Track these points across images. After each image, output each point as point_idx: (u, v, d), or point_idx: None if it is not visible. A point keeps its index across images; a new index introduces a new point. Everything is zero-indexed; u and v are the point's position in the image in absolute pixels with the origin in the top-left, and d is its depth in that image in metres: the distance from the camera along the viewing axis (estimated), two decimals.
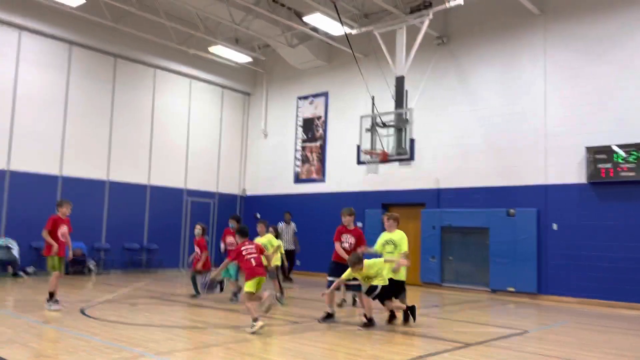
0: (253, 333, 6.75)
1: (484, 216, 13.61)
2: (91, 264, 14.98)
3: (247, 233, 7.78)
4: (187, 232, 17.65)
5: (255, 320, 6.87)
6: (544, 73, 13.18)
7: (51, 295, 8.42)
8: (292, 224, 15.03)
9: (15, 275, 13.47)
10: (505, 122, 13.70)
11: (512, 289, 12.94)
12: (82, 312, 8.31)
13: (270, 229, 10.78)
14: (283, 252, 10.97)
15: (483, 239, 13.66)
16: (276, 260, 10.22)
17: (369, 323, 7.62)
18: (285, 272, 13.98)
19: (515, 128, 13.51)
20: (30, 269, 13.86)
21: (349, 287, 8.46)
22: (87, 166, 15.49)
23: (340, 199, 16.88)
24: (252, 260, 7.34)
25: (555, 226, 12.64)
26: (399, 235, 8.19)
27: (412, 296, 12.55)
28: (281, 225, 14.76)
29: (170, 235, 17.41)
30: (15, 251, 13.63)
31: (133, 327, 7.29)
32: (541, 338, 7.70)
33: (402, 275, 8.08)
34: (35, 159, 14.43)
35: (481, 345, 6.73)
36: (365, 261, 7.57)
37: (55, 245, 8.48)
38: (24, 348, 5.66)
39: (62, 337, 6.34)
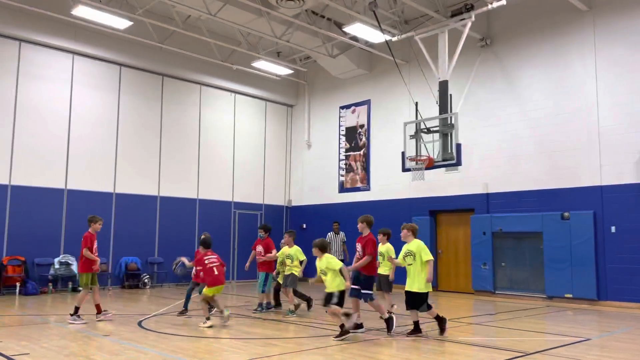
0: (206, 327, 8.11)
1: (537, 220, 13.19)
2: (145, 278, 15.42)
3: (210, 244, 9.09)
4: (236, 244, 17.95)
5: (207, 319, 8.36)
6: (594, 70, 12.72)
7: (77, 309, 8.68)
8: (341, 234, 15.00)
9: (74, 290, 14.01)
10: (555, 123, 13.28)
11: (569, 295, 12.46)
12: (140, 324, 8.56)
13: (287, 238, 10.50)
14: (302, 266, 10.32)
15: (537, 243, 13.24)
16: (288, 270, 9.99)
17: (343, 332, 7.34)
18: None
19: (566, 128, 13.08)
20: None
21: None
22: (139, 182, 16.02)
23: (385, 207, 16.78)
24: (215, 269, 8.54)
25: (613, 229, 12.11)
26: (415, 245, 7.96)
27: (465, 305, 12.32)
28: (330, 235, 14.79)
29: (219, 248, 17.47)
30: (74, 267, 14.18)
31: (188, 338, 7.44)
32: (603, 346, 7.37)
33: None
34: (90, 177, 15.02)
35: (540, 354, 6.51)
36: (326, 255, 7.81)
37: (98, 262, 8.94)
38: None
39: (122, 350, 6.53)
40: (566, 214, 12.74)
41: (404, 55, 16.32)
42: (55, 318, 9.39)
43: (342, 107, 18.68)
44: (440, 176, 15.04)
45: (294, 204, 19.94)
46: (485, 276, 14.01)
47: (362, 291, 8.13)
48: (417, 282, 7.80)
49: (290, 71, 18.26)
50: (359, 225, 8.43)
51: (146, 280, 15.39)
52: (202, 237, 9.56)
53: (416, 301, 7.83)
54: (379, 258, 9.07)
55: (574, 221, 12.59)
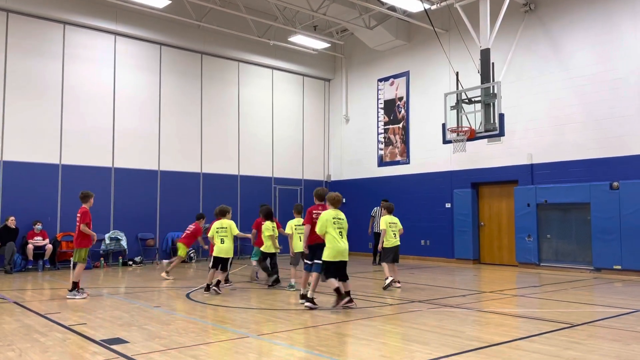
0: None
1: (584, 191, 12.82)
2: (191, 252, 15.87)
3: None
4: (278, 218, 18.14)
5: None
6: None
7: (75, 285, 8.57)
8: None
9: (125, 264, 14.60)
10: (603, 90, 12.76)
11: (618, 267, 12.13)
12: (188, 296, 8.86)
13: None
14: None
15: (584, 214, 12.89)
16: (298, 248, 9.40)
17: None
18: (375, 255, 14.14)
19: (615, 95, 12.55)
20: (138, 259, 14.94)
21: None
22: (182, 160, 16.39)
23: (426, 180, 16.65)
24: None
25: None
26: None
27: (509, 277, 12.18)
28: (376, 209, 14.94)
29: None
30: (124, 242, 14.75)
31: (234, 310, 7.67)
32: None
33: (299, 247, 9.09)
34: (135, 155, 15.47)
35: (588, 325, 6.40)
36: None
37: (94, 237, 8.89)
38: (141, 330, 6.14)
39: (172, 320, 6.80)
40: (615, 183, 12.32)
41: (443, 24, 15.92)
42: (108, 291, 9.82)
43: (380, 80, 18.46)
44: (482, 147, 14.75)
45: (333, 178, 19.99)
46: (529, 248, 13.78)
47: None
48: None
49: (327, 45, 18.13)
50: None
51: (192, 255, 15.84)
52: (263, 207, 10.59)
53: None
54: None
55: (624, 191, 12.17)
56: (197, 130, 16.80)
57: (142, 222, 15.45)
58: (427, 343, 5.54)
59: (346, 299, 7.46)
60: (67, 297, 8.56)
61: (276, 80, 18.86)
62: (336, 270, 7.49)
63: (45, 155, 14.07)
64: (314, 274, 7.78)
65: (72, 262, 8.90)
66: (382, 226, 9.97)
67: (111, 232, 14.76)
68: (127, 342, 5.52)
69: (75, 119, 14.55)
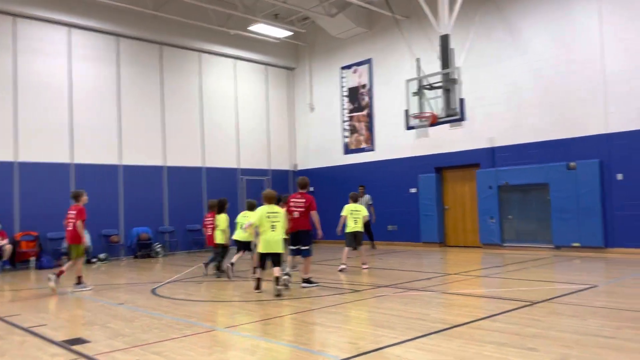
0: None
1: (543, 172, 13.16)
2: (158, 247, 15.64)
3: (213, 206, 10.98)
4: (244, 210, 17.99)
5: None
6: (598, 16, 12.42)
7: (79, 279, 9.21)
8: (366, 196, 15.09)
9: (89, 262, 14.27)
10: (560, 73, 13.07)
11: (577, 244, 12.54)
12: (153, 292, 8.74)
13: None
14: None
15: (543, 195, 13.25)
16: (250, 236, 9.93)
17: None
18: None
19: (571, 77, 12.88)
20: (102, 256, 14.63)
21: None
22: (144, 153, 16.07)
23: (391, 166, 16.79)
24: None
25: (620, 176, 12.07)
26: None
27: (473, 258, 12.45)
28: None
29: (228, 214, 17.80)
30: (87, 239, 14.37)
31: (201, 303, 7.61)
32: (611, 292, 7.46)
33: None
34: (95, 150, 15.08)
35: (548, 302, 6.60)
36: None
37: (85, 239, 9.37)
38: (103, 329, 6.03)
39: (136, 317, 6.69)
40: (572, 164, 12.69)
41: (403, 10, 16.00)
42: (71, 290, 9.59)
43: (343, 68, 18.46)
44: (444, 132, 14.89)
45: (300, 167, 19.97)
46: (492, 230, 14.10)
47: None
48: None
49: (289, 33, 17.99)
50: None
51: (158, 249, 15.62)
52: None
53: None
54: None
55: (580, 171, 12.55)
56: (158, 122, 16.48)
57: (105, 219, 15.12)
58: (393, 327, 5.61)
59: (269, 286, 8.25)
60: (75, 290, 9.04)
61: (239, 70, 18.64)
62: (266, 259, 8.11)
63: (0, 153, 13.58)
64: (308, 258, 8.50)
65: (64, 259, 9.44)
66: (344, 212, 10.62)
67: None
68: (88, 341, 5.41)
69: (30, 114, 14.07)
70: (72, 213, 9.19)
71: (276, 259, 8.07)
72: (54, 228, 14.14)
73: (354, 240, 10.54)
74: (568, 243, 12.69)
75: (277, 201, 9.56)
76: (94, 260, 14.41)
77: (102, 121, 15.29)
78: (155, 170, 16.28)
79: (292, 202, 8.61)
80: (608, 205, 12.23)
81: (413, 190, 16.23)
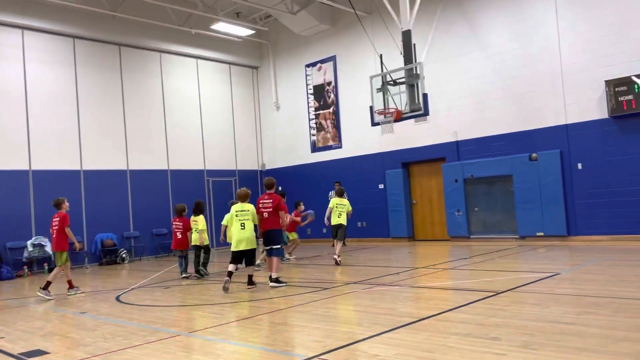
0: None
1: (507, 163, 13.39)
2: (123, 253, 15.30)
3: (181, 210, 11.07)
4: (213, 211, 17.83)
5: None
6: (555, 9, 12.69)
7: (70, 284, 9.40)
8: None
9: (51, 271, 13.83)
10: (519, 66, 13.31)
11: (541, 234, 12.80)
12: (118, 299, 8.53)
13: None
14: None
15: (507, 186, 13.48)
16: (195, 241, 10.77)
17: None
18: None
19: (530, 70, 13.13)
20: None
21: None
22: (106, 157, 15.68)
23: (359, 163, 16.83)
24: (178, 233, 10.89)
25: (579, 165, 12.37)
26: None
27: (441, 251, 12.57)
28: (331, 194, 14.92)
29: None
30: (49, 248, 13.98)
31: (167, 308, 7.45)
32: (574, 278, 7.61)
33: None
34: (54, 156, 14.64)
35: (512, 291, 6.69)
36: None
37: (76, 242, 9.73)
38: (64, 339, 5.84)
39: (99, 325, 6.50)
40: (534, 155, 12.95)
41: (365, 7, 16.04)
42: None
43: (307, 65, 18.40)
44: (410, 128, 15.07)
45: (267, 167, 19.83)
46: (459, 222, 14.28)
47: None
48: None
49: (251, 32, 17.84)
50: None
51: (124, 255, 15.28)
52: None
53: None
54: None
55: (542, 161, 12.82)
56: (120, 125, 16.11)
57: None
58: (360, 323, 5.60)
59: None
60: (68, 294, 9.27)
61: (201, 70, 18.38)
62: (238, 258, 8.49)
63: None
64: (274, 258, 8.53)
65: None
66: (330, 205, 11.31)
67: (33, 238, 13.93)
68: (47, 353, 5.23)
69: None
70: (55, 220, 9.35)
71: (248, 256, 8.47)
72: (13, 237, 13.71)
73: (337, 232, 11.18)
74: (532, 233, 12.95)
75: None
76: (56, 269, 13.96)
77: (60, 126, 14.85)
78: (118, 174, 15.91)
79: (261, 203, 8.71)
80: (569, 194, 12.52)
81: (381, 186, 16.30)
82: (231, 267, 8.40)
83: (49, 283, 9.17)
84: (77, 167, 15.09)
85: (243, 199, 8.59)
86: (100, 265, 14.95)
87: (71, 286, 9.42)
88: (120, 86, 16.20)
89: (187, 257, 10.95)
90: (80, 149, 15.19)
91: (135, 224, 16.11)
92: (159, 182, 16.82)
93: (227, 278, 8.31)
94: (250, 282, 8.52)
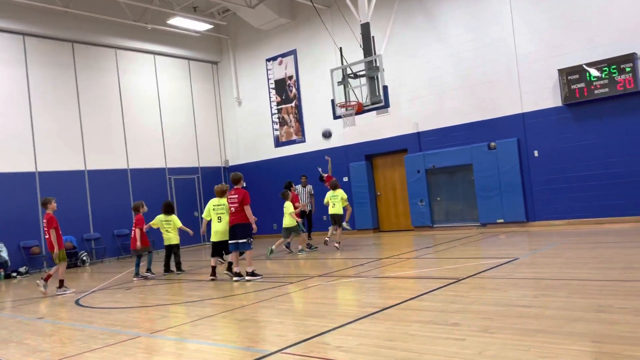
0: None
1: (466, 153, 13.62)
2: (83, 256, 14.90)
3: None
4: (176, 210, 17.46)
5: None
6: (509, 0, 12.94)
7: (62, 282, 9.45)
8: (308, 186, 14.93)
9: (8, 277, 13.39)
10: (476, 56, 13.53)
11: (501, 221, 13.10)
12: (77, 302, 8.30)
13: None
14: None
15: (468, 175, 13.72)
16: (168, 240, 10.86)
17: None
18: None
19: (486, 60, 13.37)
20: (23, 269, 13.76)
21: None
22: (62, 158, 15.20)
23: (323, 156, 16.80)
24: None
25: (536, 153, 12.70)
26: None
27: (405, 241, 12.71)
28: (298, 188, 14.76)
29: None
30: (5, 253, 13.51)
31: (128, 310, 7.29)
32: (532, 262, 7.81)
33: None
34: (7, 158, 14.12)
35: (473, 277, 6.82)
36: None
37: (62, 242, 9.55)
38: (20, 346, 5.64)
39: (57, 330, 6.32)
40: (492, 143, 13.21)
41: (324, 0, 16.00)
42: (56, 292, 9.37)
43: (268, 60, 18.26)
44: (372, 120, 15.15)
45: (231, 163, 19.64)
46: (422, 212, 14.47)
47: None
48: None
49: (209, 26, 17.58)
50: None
51: (84, 258, 14.89)
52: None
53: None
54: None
55: (500, 150, 13.09)
56: (76, 124, 15.64)
57: (24, 230, 14.21)
58: (323, 316, 5.60)
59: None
60: (57, 293, 9.30)
61: (159, 66, 18.01)
62: (216, 249, 9.14)
63: None
64: (247, 252, 8.71)
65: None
66: (325, 200, 12.49)
67: None
68: None
69: None
70: (44, 222, 9.47)
71: (226, 246, 8.97)
72: None
73: (333, 220, 12.24)
74: (493, 220, 13.23)
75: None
76: (14, 274, 13.53)
77: (12, 126, 14.31)
78: (76, 175, 15.45)
79: (229, 198, 8.85)
80: (527, 181, 12.84)
81: (345, 179, 16.35)
82: (213, 262, 9.14)
83: (61, 281, 9.42)
84: (32, 169, 14.59)
85: (220, 194, 9.15)
86: None
87: (61, 285, 9.47)
88: (74, 84, 15.71)
89: (140, 257, 10.75)
90: (35, 150, 14.68)
91: (95, 225, 15.70)
92: (119, 182, 16.42)
93: (212, 277, 9.04)
94: (229, 269, 9.00)
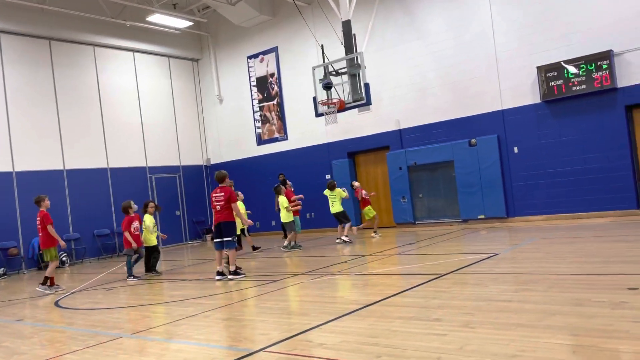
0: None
1: (447, 150, 13.73)
2: (63, 256, 14.67)
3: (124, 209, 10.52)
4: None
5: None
6: None
7: (46, 279, 9.45)
8: (289, 183, 14.87)
9: None
10: (456, 53, 13.63)
11: (482, 217, 13.24)
12: (57, 304, 8.18)
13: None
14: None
15: (449, 172, 13.83)
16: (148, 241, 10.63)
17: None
18: None
19: (466, 57, 13.47)
20: (0, 271, 13.50)
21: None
22: (40, 157, 14.94)
23: (305, 154, 16.82)
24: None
25: (516, 149, 12.85)
26: None
27: (388, 238, 12.76)
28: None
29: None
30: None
31: (109, 311, 7.21)
32: (512, 257, 7.91)
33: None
34: None
35: (454, 273, 6.88)
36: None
37: (60, 240, 9.49)
38: None
39: (36, 332, 6.22)
40: (473, 140, 13.34)
41: None
42: (37, 287, 9.47)
43: (249, 57, 18.18)
44: (354, 117, 15.19)
45: (213, 162, 19.51)
46: (405, 209, 14.55)
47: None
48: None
49: (190, 23, 17.43)
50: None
51: (64, 259, 14.65)
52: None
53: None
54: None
55: (481, 146, 13.22)
56: (54, 123, 15.38)
57: (1, 231, 13.95)
58: (307, 313, 5.60)
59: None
60: (37, 289, 9.39)
61: (139, 63, 17.79)
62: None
63: None
64: (231, 250, 8.67)
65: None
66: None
67: None
68: None
69: None
70: (38, 219, 9.41)
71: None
72: None
73: (337, 218, 12.67)
74: (474, 216, 13.37)
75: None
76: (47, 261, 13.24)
77: None
78: (54, 174, 15.21)
79: (213, 197, 8.85)
80: (507, 177, 12.99)
81: (328, 176, 16.36)
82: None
83: (50, 279, 9.40)
84: (9, 169, 14.32)
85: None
86: (39, 269, 14.26)
87: (52, 283, 9.46)
88: (52, 83, 15.45)
89: (131, 257, 10.61)
90: (12, 149, 14.41)
91: (75, 225, 15.47)
92: (98, 181, 16.20)
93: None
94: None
